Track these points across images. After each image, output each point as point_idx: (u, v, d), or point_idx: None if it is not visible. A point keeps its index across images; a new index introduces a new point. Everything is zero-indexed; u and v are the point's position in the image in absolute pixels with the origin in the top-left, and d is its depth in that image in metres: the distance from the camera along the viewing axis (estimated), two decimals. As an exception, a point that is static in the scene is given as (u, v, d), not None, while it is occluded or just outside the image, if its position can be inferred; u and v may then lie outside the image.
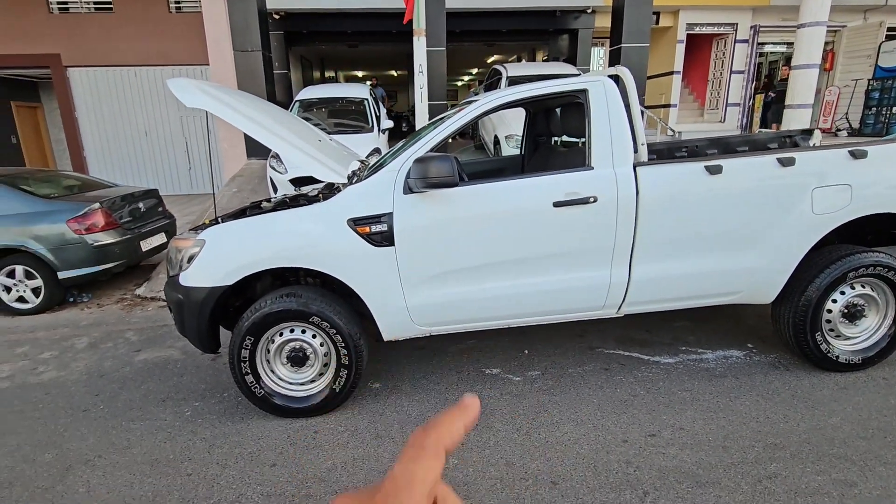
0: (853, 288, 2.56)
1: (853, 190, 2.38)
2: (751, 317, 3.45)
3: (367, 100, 7.15)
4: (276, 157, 6.06)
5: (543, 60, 13.80)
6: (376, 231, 2.29)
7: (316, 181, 5.70)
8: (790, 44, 13.37)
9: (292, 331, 2.42)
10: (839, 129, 12.18)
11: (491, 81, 8.51)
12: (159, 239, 5.09)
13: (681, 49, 12.48)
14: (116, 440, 2.40)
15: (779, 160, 2.37)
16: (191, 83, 2.34)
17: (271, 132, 2.42)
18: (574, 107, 2.63)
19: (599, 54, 13.42)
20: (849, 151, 2.39)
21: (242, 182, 7.58)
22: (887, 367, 2.67)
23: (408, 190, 2.30)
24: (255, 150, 8.54)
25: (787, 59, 13.88)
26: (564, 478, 1.99)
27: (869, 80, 12.34)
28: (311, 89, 7.69)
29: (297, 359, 2.44)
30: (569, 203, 2.31)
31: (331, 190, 2.80)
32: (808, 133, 3.82)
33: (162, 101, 9.29)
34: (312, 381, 2.49)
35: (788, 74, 11.97)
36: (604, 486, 1.93)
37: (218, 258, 2.31)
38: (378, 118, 6.99)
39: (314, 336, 2.43)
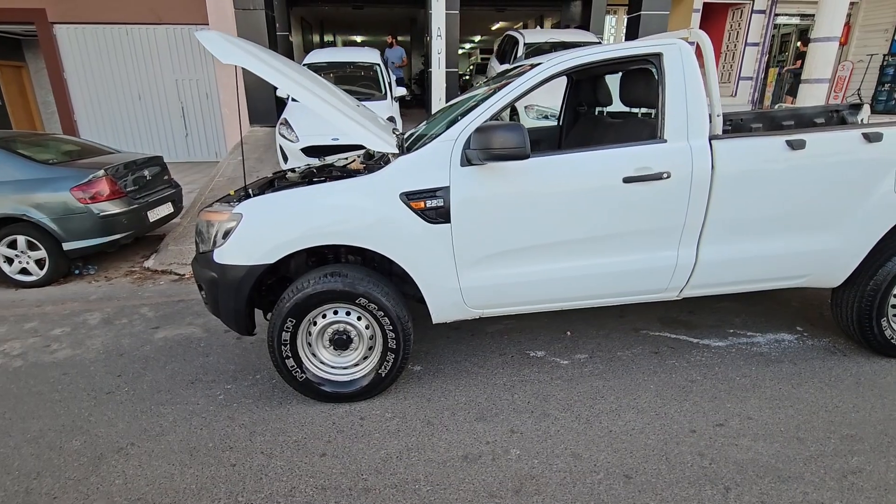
0: (923, 273, 2.43)
1: (939, 169, 2.22)
2: (796, 299, 3.35)
3: (378, 65, 6.79)
4: (286, 123, 5.77)
5: (553, 27, 13.28)
6: (431, 206, 2.10)
7: (331, 151, 5.44)
8: (806, 15, 12.99)
9: (336, 312, 2.25)
10: (853, 106, 11.98)
11: (505, 49, 8.14)
12: (166, 209, 4.84)
13: (696, 18, 12.05)
14: (148, 426, 2.25)
15: (864, 135, 2.20)
16: (222, 36, 2.08)
17: (318, 96, 2.19)
18: (639, 73, 2.41)
19: (612, 22, 12.92)
20: (938, 127, 2.22)
21: (247, 150, 7.26)
22: (949, 354, 2.59)
23: (466, 162, 2.10)
24: (260, 116, 8.19)
25: (802, 32, 13.51)
26: (637, 471, 1.88)
27: (884, 56, 12.06)
28: (319, 53, 7.30)
29: (341, 342, 2.28)
30: (640, 179, 2.13)
31: (371, 160, 2.59)
32: (856, 108, 3.63)
33: (156, 62, 8.79)
34: (356, 364, 2.34)
35: (804, 48, 11.69)
36: (681, 481, 1.82)
37: (258, 234, 2.11)
38: (390, 84, 6.65)
39: (359, 318, 2.27)
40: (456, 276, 2.21)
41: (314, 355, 2.32)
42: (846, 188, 2.23)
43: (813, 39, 9.53)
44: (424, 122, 3.22)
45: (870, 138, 2.19)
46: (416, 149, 2.19)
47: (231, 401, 2.42)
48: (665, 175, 2.13)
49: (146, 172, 4.71)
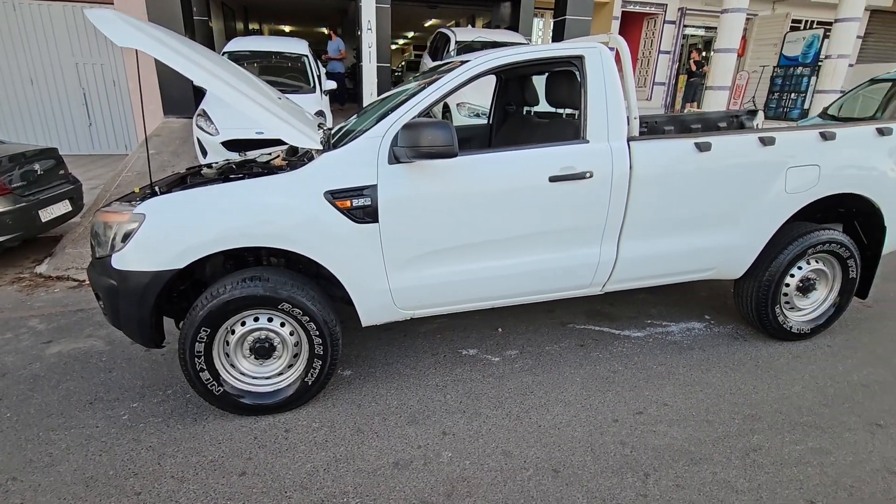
0: (808, 263, 2.72)
1: (821, 170, 2.48)
2: (703, 289, 3.62)
3: (306, 56, 6.50)
4: (205, 115, 5.37)
5: (483, 27, 13.48)
6: (358, 206, 2.01)
7: (254, 145, 5.13)
8: (710, 27, 14.19)
9: (256, 319, 2.10)
10: (750, 112, 13.28)
11: (437, 46, 8.12)
12: (62, 207, 4.32)
13: (616, 25, 12.75)
14: (34, 456, 1.98)
15: (760, 139, 2.40)
16: (119, 16, 1.86)
17: (231, 86, 2.02)
18: (562, 75, 2.47)
19: (539, 25, 13.35)
20: (819, 133, 2.48)
21: (160, 143, 6.68)
22: (829, 336, 2.91)
23: (393, 159, 2.04)
24: (175, 106, 7.57)
25: (706, 42, 14.76)
26: (565, 464, 1.93)
27: (774, 67, 13.48)
28: (241, 41, 6.86)
29: (263, 350, 2.14)
30: (565, 178, 2.18)
31: (295, 156, 2.45)
32: (752, 114, 3.99)
33: (52, 42, 7.85)
34: (280, 373, 2.21)
35: (699, 58, 12.78)
36: (605, 471, 1.89)
37: (164, 236, 1.92)
38: (319, 77, 6.40)
39: (283, 324, 2.14)
40: (385, 277, 2.15)
41: (233, 366, 2.16)
42: (746, 187, 2.43)
43: (715, 50, 10.44)
44: (354, 117, 3.11)
45: (765, 142, 2.40)
46: (343, 145, 2.09)
47: (137, 421, 2.19)
48: (588, 174, 2.20)
49: (37, 166, 4.17)
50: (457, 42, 7.20)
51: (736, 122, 3.95)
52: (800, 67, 12.58)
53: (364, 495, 1.78)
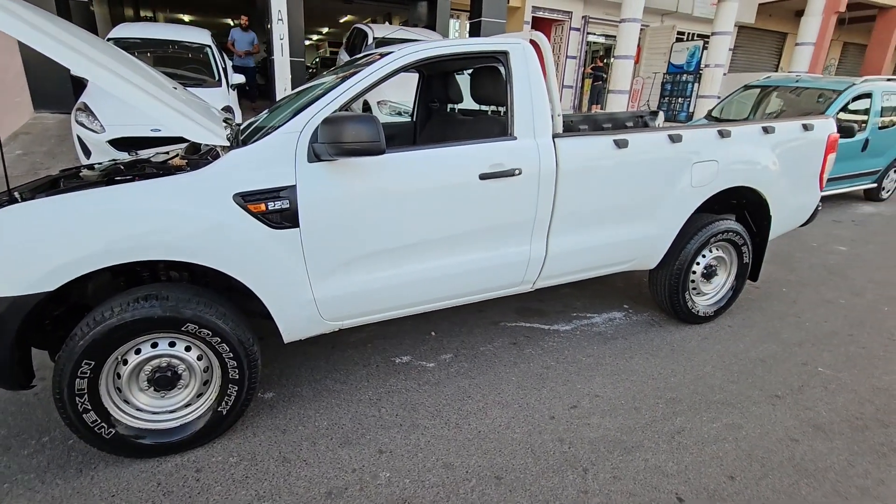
0: (711, 251, 2.95)
1: (719, 165, 2.70)
2: (620, 280, 3.82)
3: (209, 47, 5.92)
4: (86, 109, 4.67)
5: (400, 25, 13.34)
6: (275, 209, 1.80)
7: (148, 144, 4.55)
8: (609, 36, 15.30)
9: (155, 345, 1.81)
10: (652, 112, 14.57)
11: (354, 42, 7.83)
12: None
13: (527, 29, 13.26)
14: None
15: (669, 136, 2.55)
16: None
17: (118, 75, 1.69)
18: (486, 71, 2.44)
19: (456, 26, 13.48)
20: (717, 131, 2.69)
21: (31, 141, 5.73)
22: (728, 317, 3.20)
23: (314, 157, 1.86)
24: (48, 99, 6.56)
25: (606, 49, 15.91)
26: (506, 469, 1.89)
27: (664, 74, 14.87)
28: (130, 27, 6.07)
29: (165, 380, 1.84)
30: (495, 175, 2.13)
31: (196, 155, 2.16)
32: (654, 114, 4.30)
33: None
34: (188, 405, 1.93)
35: (601, 63, 13.77)
36: (546, 471, 1.88)
37: (26, 252, 1.56)
38: (225, 70, 5.86)
39: (188, 348, 1.86)
40: (309, 287, 1.95)
41: (126, 402, 1.84)
42: (658, 181, 2.57)
43: (615, 57, 11.24)
44: (266, 112, 2.84)
45: (673, 139, 2.55)
46: (254, 141, 1.86)
47: (3, 480, 1.79)
48: (517, 171, 2.18)
49: None
50: (374, 38, 6.99)
51: (641, 122, 4.22)
52: (685, 74, 13.98)
53: (295, 534, 1.59)
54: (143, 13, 16.04)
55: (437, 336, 2.90)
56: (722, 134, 2.69)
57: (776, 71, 18.63)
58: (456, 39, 2.25)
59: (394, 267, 2.07)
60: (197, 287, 1.90)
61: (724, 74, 13.34)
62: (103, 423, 1.76)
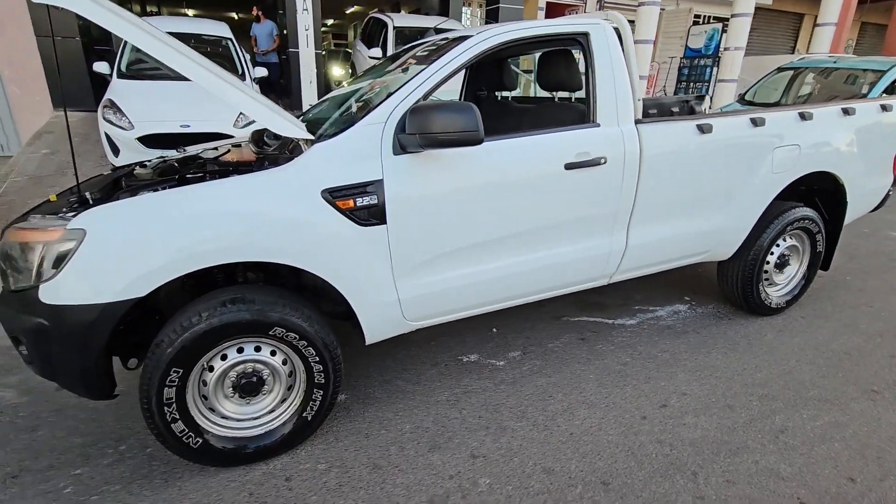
0: (785, 240, 2.82)
1: (801, 150, 2.56)
2: (675, 271, 3.69)
3: (230, 40, 5.81)
4: (113, 106, 4.58)
5: (410, 13, 13.12)
6: (363, 205, 1.70)
7: (176, 141, 4.46)
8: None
9: (241, 350, 1.72)
10: (698, 97, 14.34)
11: (371, 32, 7.67)
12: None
13: (541, 16, 13.01)
14: (-59, 565, 1.47)
15: (752, 120, 2.42)
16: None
17: (199, 65, 1.59)
18: (558, 55, 2.31)
19: (468, 14, 13.24)
20: (798, 114, 2.55)
21: (55, 141, 5.66)
22: (799, 308, 3.07)
23: (399, 149, 1.75)
24: (68, 97, 6.47)
25: (620, 34, 15.58)
26: (611, 474, 1.79)
27: (681, 59, 14.57)
28: (147, 21, 5.95)
29: (250, 386, 1.76)
30: (580, 165, 2.02)
31: (262, 148, 2.06)
32: (700, 99, 4.14)
33: None
34: (272, 411, 1.84)
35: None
36: (654, 476, 1.78)
37: (116, 257, 1.47)
38: (247, 64, 5.74)
39: (273, 352, 1.77)
40: (394, 287, 1.86)
41: (212, 410, 1.76)
42: (740, 168, 2.44)
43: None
44: (316, 105, 2.74)
45: (755, 123, 2.42)
46: (329, 135, 1.75)
47: (87, 493, 1.72)
48: (602, 160, 2.06)
49: None
50: (395, 28, 6.83)
51: (687, 107, 4.07)
52: (703, 59, 13.68)
53: (406, 548, 1.51)
54: (149, 8, 15.91)
55: (500, 332, 2.81)
56: (803, 116, 2.55)
57: (792, 53, 18.23)
58: (535, 21, 2.13)
59: (479, 263, 1.97)
60: (279, 289, 1.81)
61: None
62: (191, 433, 1.69)
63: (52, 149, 5.53)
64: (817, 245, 2.88)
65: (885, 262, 3.87)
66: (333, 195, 1.67)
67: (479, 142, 1.65)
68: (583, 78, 2.16)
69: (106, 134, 4.57)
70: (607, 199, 2.14)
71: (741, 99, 7.15)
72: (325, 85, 8.97)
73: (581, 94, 2.26)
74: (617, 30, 2.18)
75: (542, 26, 2.07)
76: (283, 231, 1.61)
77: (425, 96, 1.81)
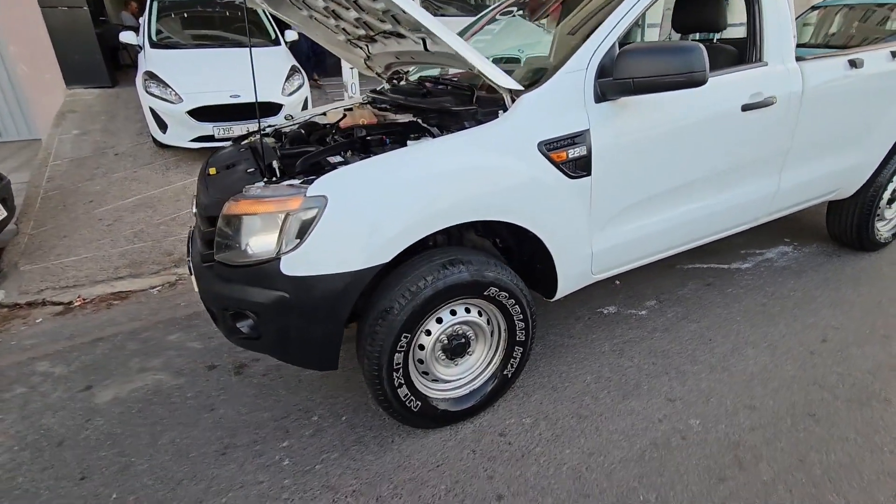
0: (898, 176, 2.85)
1: (928, 82, 2.55)
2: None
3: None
4: (156, 78, 4.33)
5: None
6: (573, 157, 1.65)
7: (226, 112, 4.26)
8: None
9: (454, 312, 1.70)
10: None
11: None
12: (-1, 213, 3.27)
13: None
14: (207, 540, 1.47)
15: (892, 53, 2.38)
16: None
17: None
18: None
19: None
20: (926, 45, 2.52)
21: (81, 120, 5.37)
22: (900, 241, 3.14)
23: (600, 96, 1.69)
24: (80, 73, 6.10)
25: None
26: (813, 405, 1.86)
27: None
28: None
29: (460, 347, 1.76)
30: (755, 106, 1.98)
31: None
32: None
33: None
34: (476, 370, 1.85)
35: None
36: (851, 403, 1.85)
37: (360, 223, 1.42)
38: (275, 28, 5.45)
39: (480, 313, 1.76)
40: (589, 240, 1.84)
41: (425, 373, 1.76)
42: (878, 102, 2.43)
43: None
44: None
45: (894, 55, 2.39)
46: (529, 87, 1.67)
47: (307, 463, 1.72)
48: (773, 100, 2.02)
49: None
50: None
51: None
52: None
53: (656, 486, 1.56)
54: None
55: (623, 285, 2.83)
56: (931, 47, 2.52)
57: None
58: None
59: (664, 211, 1.96)
60: (485, 249, 1.78)
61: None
62: (412, 396, 1.69)
63: (82, 129, 5.24)
64: (922, 178, 2.92)
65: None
66: (548, 148, 1.61)
67: (705, 82, 1.59)
68: (745, 15, 2.08)
69: (151, 109, 4.34)
70: (775, 140, 2.12)
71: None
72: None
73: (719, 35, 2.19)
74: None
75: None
76: (511, 188, 1.57)
77: (622, 39, 1.73)
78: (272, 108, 4.42)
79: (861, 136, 2.46)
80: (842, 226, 2.94)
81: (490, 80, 1.56)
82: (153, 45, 4.84)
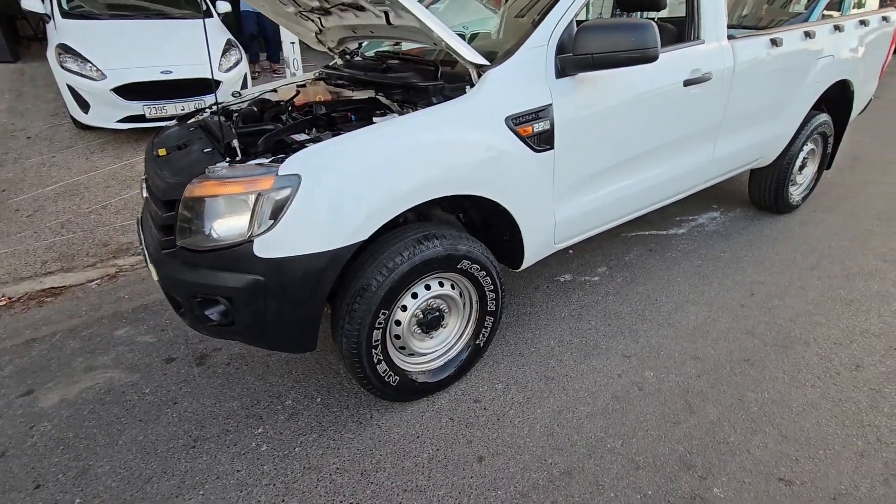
0: (808, 144, 3.20)
1: (833, 60, 2.86)
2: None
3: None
4: (72, 52, 3.90)
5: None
6: (538, 131, 1.71)
7: (158, 90, 3.93)
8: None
9: (428, 287, 1.74)
10: None
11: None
12: None
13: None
14: (190, 532, 1.44)
15: (805, 33, 2.64)
16: None
17: None
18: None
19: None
20: (833, 26, 2.82)
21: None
22: (810, 203, 3.54)
23: (560, 72, 1.75)
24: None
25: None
26: (746, 351, 2.09)
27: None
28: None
29: (435, 321, 1.80)
30: (695, 81, 2.14)
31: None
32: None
33: None
34: (450, 342, 1.91)
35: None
36: (780, 349, 2.11)
37: (336, 201, 1.40)
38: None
39: (452, 286, 1.81)
40: (552, 211, 1.92)
41: (403, 348, 1.79)
42: (794, 80, 2.69)
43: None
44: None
45: (808, 35, 2.65)
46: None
47: (285, 448, 1.72)
48: (709, 76, 2.19)
49: None
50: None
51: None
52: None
53: (624, 436, 1.71)
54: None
55: (575, 254, 2.98)
56: (837, 28, 2.82)
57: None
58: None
59: (618, 181, 2.08)
60: (454, 223, 1.81)
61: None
62: (391, 372, 1.72)
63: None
64: (827, 147, 3.30)
65: (850, 162, 4.49)
66: (515, 122, 1.66)
67: (657, 58, 1.69)
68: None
69: (69, 86, 3.91)
70: (711, 112, 2.30)
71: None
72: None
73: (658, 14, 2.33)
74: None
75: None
76: (485, 163, 1.60)
77: (576, 16, 1.80)
78: (209, 86, 4.13)
79: (779, 109, 2.73)
80: (761, 191, 3.27)
81: (457, 54, 1.57)
82: (64, 14, 4.31)
